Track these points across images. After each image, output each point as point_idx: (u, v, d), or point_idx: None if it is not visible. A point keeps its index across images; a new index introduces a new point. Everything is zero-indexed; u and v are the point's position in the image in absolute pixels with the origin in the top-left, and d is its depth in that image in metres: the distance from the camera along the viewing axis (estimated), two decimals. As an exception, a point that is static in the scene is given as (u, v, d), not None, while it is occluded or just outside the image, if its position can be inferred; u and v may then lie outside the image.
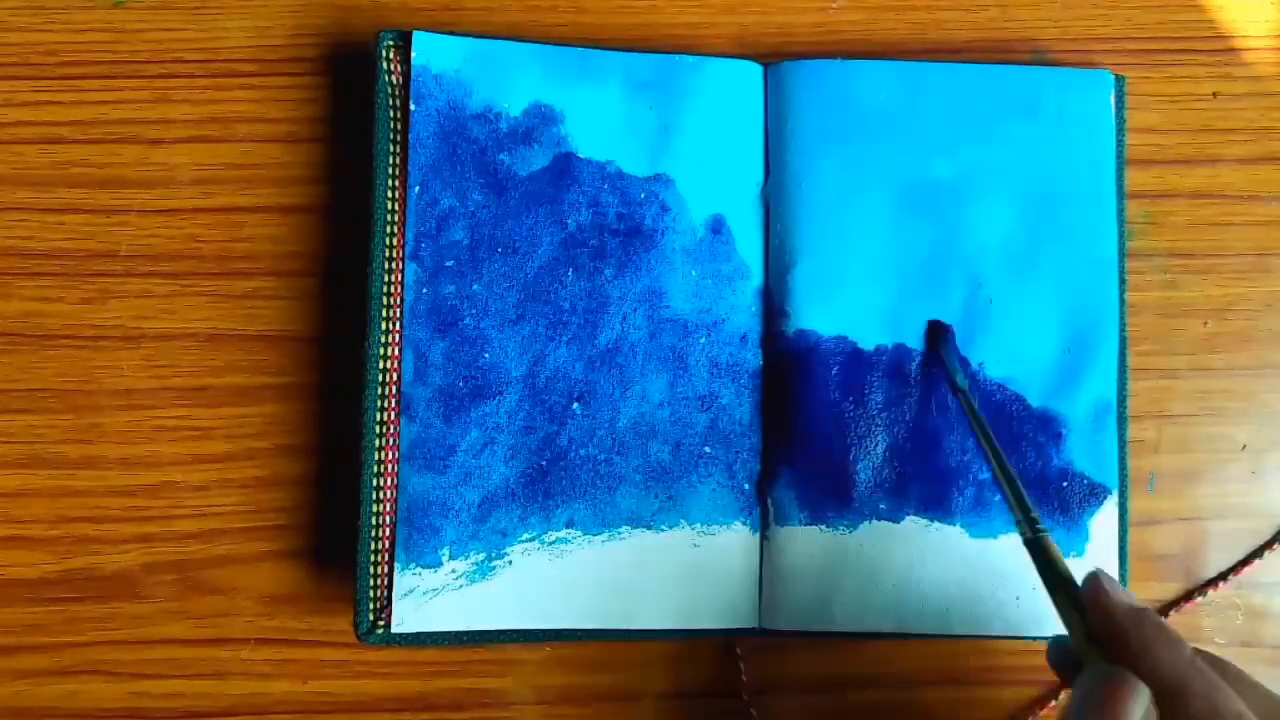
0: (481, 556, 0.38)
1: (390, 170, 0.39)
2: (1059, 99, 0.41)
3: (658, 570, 0.39)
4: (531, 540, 0.39)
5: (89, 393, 0.40)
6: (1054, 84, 0.41)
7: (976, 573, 0.39)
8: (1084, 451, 0.40)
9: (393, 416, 0.38)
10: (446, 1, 0.42)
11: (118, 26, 0.41)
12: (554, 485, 0.39)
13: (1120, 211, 0.41)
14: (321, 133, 0.41)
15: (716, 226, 0.40)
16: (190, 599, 0.40)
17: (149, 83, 0.41)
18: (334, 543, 0.40)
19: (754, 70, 0.41)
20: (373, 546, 0.38)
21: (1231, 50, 0.44)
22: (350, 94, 0.41)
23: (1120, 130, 0.41)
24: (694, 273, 0.40)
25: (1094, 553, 0.40)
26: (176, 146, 0.41)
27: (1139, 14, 0.43)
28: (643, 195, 0.40)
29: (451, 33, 0.40)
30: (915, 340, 0.40)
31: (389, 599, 0.38)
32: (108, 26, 0.41)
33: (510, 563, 0.38)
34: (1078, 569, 0.39)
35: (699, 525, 0.39)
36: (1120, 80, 0.42)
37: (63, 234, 0.41)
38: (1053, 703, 0.41)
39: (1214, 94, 0.43)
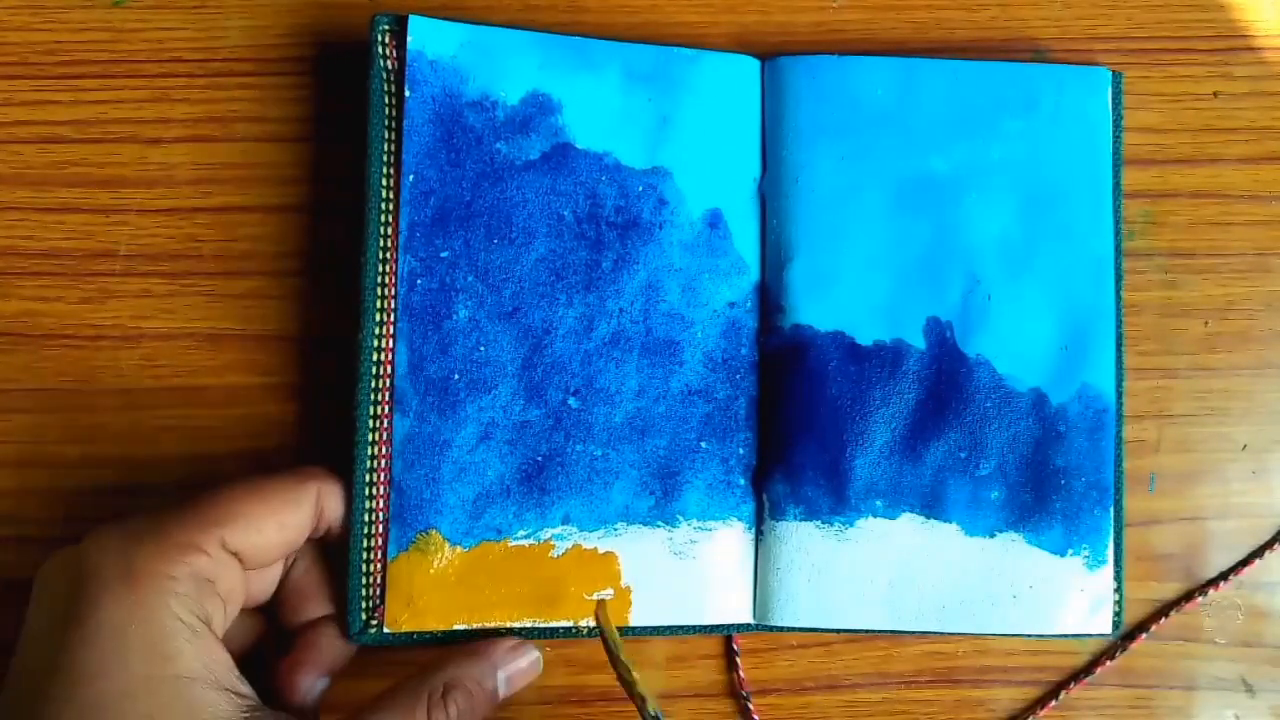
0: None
1: (384, 159, 0.39)
2: (1056, 95, 0.41)
3: (653, 566, 0.39)
4: (527, 537, 0.38)
5: (88, 393, 0.40)
6: (1051, 80, 0.41)
7: (972, 571, 0.39)
8: (1081, 449, 0.40)
9: (386, 410, 0.38)
10: (445, 0, 0.42)
11: (116, 26, 0.41)
12: (549, 481, 0.39)
13: (1117, 209, 0.41)
14: (321, 132, 0.41)
15: (714, 221, 0.40)
16: (189, 599, 0.40)
17: (147, 82, 0.41)
18: (332, 543, 0.40)
19: (751, 65, 0.41)
20: (365, 544, 0.37)
21: (1232, 49, 0.43)
22: (350, 93, 0.41)
23: (1118, 127, 0.41)
24: (691, 267, 0.40)
25: (1090, 551, 0.40)
26: (175, 146, 0.41)
27: (1139, 13, 0.43)
28: (640, 188, 0.40)
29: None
30: (913, 336, 0.40)
31: (382, 597, 0.37)
32: (106, 26, 0.41)
33: None
34: (1076, 566, 0.39)
35: (694, 521, 0.39)
36: (1118, 76, 0.41)
37: (61, 233, 0.41)
38: (1053, 703, 0.41)
39: (1215, 93, 0.43)
